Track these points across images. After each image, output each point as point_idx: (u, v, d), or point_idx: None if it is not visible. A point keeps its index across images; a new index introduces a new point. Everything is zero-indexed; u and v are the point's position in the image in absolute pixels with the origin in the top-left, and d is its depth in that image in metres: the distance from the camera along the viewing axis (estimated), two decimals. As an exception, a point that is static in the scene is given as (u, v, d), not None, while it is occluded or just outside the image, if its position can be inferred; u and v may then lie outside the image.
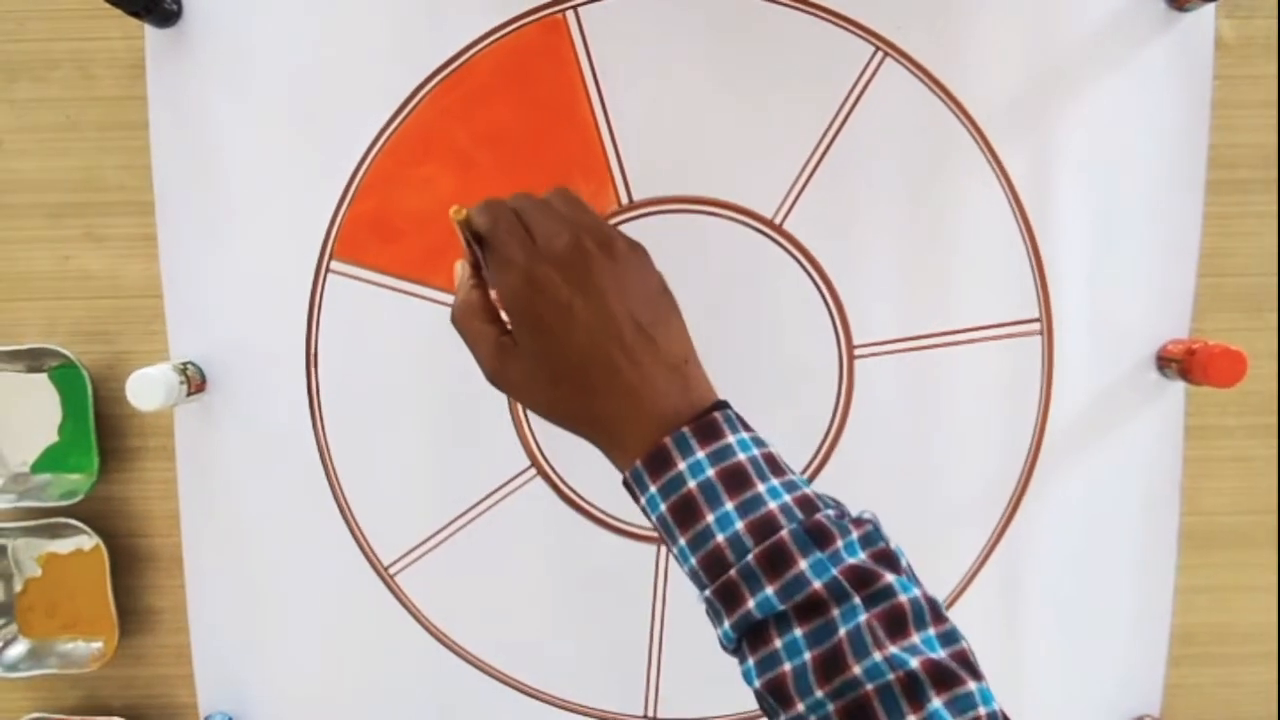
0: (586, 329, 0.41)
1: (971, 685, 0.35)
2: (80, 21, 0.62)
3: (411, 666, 0.66)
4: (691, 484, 0.39)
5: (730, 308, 0.62)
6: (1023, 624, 0.65)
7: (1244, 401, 0.65)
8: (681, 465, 0.39)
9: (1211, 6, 0.61)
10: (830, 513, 0.38)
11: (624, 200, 0.62)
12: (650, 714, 0.66)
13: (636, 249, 0.45)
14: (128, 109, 0.62)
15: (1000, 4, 0.61)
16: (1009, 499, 0.65)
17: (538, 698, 0.66)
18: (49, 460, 0.66)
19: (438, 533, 0.65)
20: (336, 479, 0.65)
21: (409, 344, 0.64)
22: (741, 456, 0.39)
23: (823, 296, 0.63)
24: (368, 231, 0.63)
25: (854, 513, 0.40)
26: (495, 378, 0.44)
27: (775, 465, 0.40)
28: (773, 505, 0.38)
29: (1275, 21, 0.63)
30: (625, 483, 0.42)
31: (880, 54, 0.61)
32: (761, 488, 0.38)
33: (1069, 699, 0.66)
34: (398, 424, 0.65)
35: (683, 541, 0.39)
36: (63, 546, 0.66)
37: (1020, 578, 0.65)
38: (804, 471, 0.64)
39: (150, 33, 0.61)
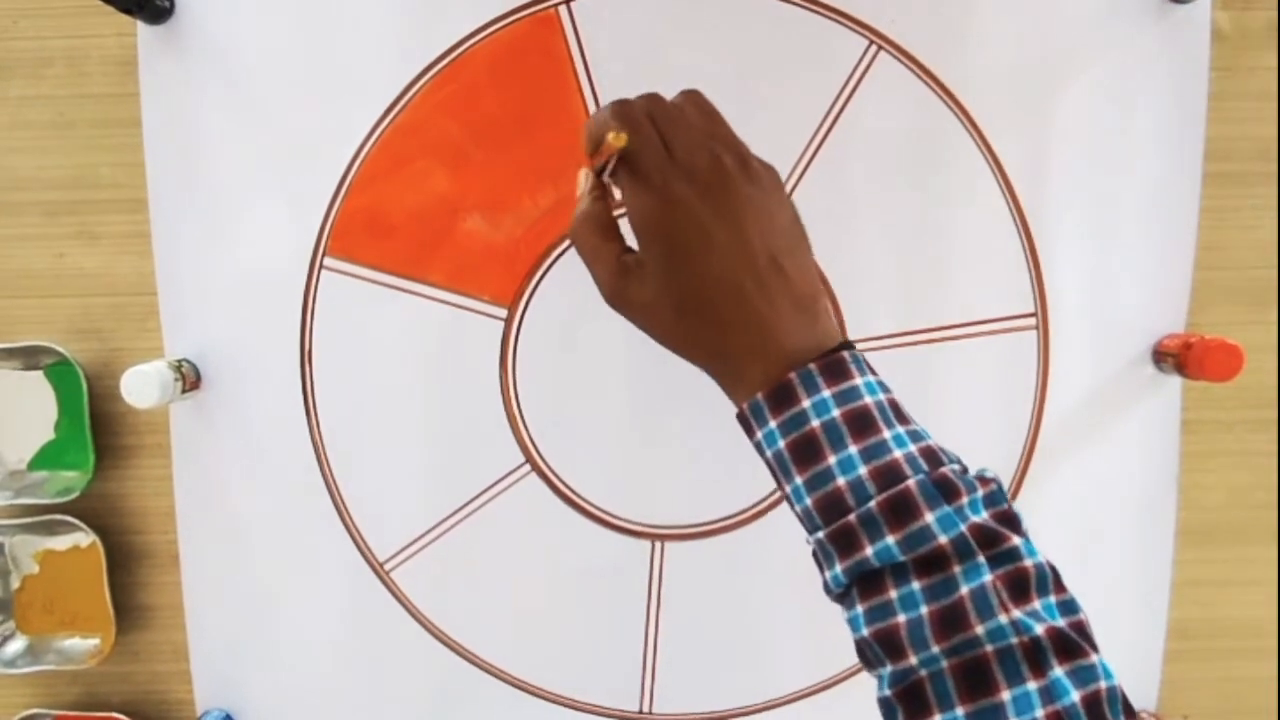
0: (721, 257, 0.39)
1: (1094, 658, 0.34)
2: (73, 19, 0.62)
3: (407, 662, 0.66)
4: (815, 423, 0.37)
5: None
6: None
7: (1241, 396, 0.65)
8: (805, 403, 0.37)
9: (1208, -2, 0.61)
10: (955, 467, 0.37)
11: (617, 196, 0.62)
12: (646, 709, 0.66)
13: (770, 170, 0.42)
14: (121, 106, 0.63)
15: (995, -3, 0.61)
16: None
17: (533, 693, 0.67)
18: (45, 457, 0.66)
19: (433, 529, 0.65)
20: (332, 475, 0.65)
21: (403, 340, 0.64)
22: (868, 400, 0.38)
23: (817, 291, 0.63)
24: (362, 228, 0.63)
25: (975, 470, 0.39)
26: (614, 299, 0.42)
27: (900, 413, 0.38)
28: (898, 453, 0.36)
29: (1273, 13, 0.62)
30: (740, 416, 0.40)
31: (874, 47, 0.61)
32: (887, 434, 0.37)
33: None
34: (393, 420, 0.65)
35: (799, 480, 0.38)
36: (60, 543, 0.66)
37: (1015, 573, 0.65)
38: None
39: (143, 30, 0.61)
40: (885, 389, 0.39)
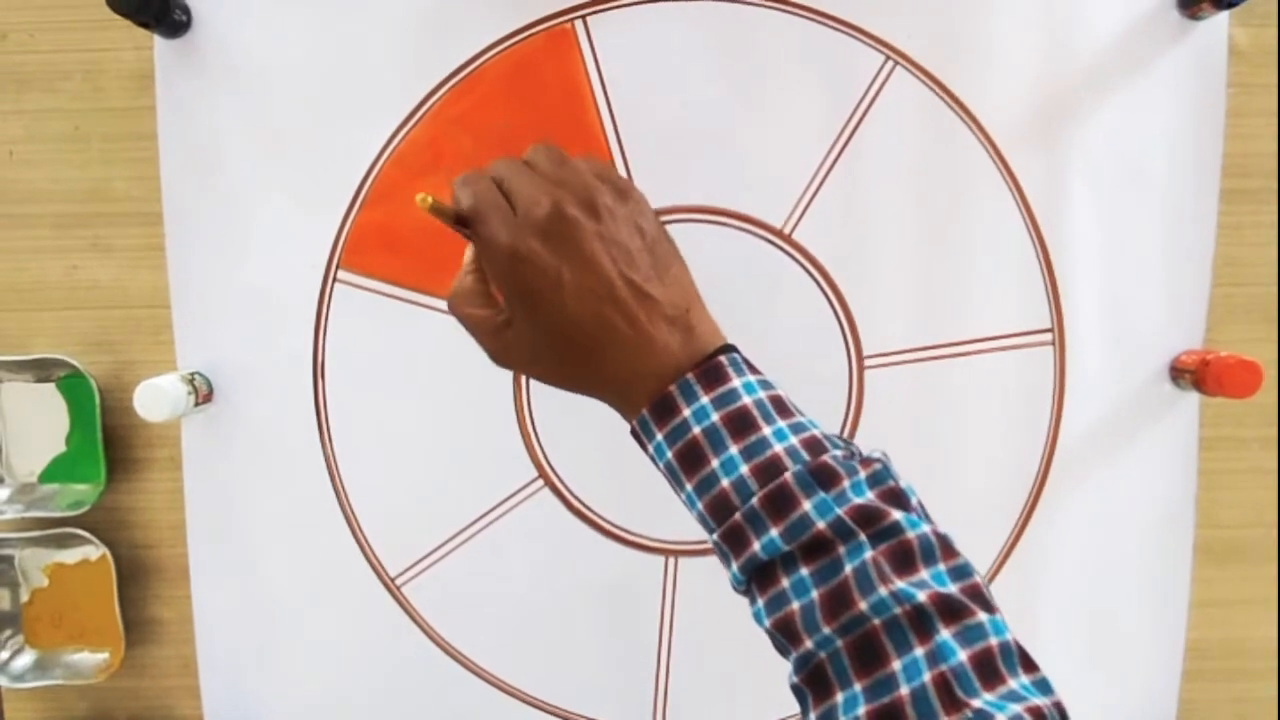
0: (577, 296, 0.41)
1: (982, 616, 0.34)
2: (90, 33, 0.62)
3: (419, 678, 0.66)
4: (696, 430, 0.39)
5: (739, 318, 0.60)
6: (1035, 638, 0.63)
7: (1259, 413, 0.64)
8: (686, 412, 0.39)
9: (1225, 15, 0.60)
10: (838, 454, 0.38)
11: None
12: (658, 727, 0.66)
13: (626, 200, 0.44)
14: (137, 119, 0.63)
15: (1012, 13, 0.61)
16: (1021, 512, 0.64)
17: (546, 710, 0.66)
18: (57, 470, 0.66)
19: (445, 544, 0.65)
20: (343, 489, 0.65)
21: (416, 354, 0.63)
22: (747, 400, 0.39)
23: (833, 307, 0.62)
24: (375, 241, 0.63)
25: (865, 452, 0.40)
26: (498, 359, 0.44)
27: (783, 407, 0.40)
28: (778, 448, 0.38)
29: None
30: (632, 433, 0.42)
31: (890, 63, 0.61)
32: (767, 430, 0.38)
33: (1083, 715, 0.65)
34: (405, 434, 0.64)
35: (689, 487, 0.39)
36: (69, 557, 0.66)
37: (1032, 592, 0.64)
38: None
39: (159, 43, 0.61)
40: (767, 386, 0.40)
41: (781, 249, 0.62)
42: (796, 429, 0.39)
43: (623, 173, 0.62)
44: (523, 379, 0.64)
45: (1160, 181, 0.62)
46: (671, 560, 0.65)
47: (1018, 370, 0.63)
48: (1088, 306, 0.63)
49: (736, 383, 0.39)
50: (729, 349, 0.41)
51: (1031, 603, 0.64)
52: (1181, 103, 0.62)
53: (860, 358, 0.63)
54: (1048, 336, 0.63)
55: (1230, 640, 0.66)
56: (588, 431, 0.64)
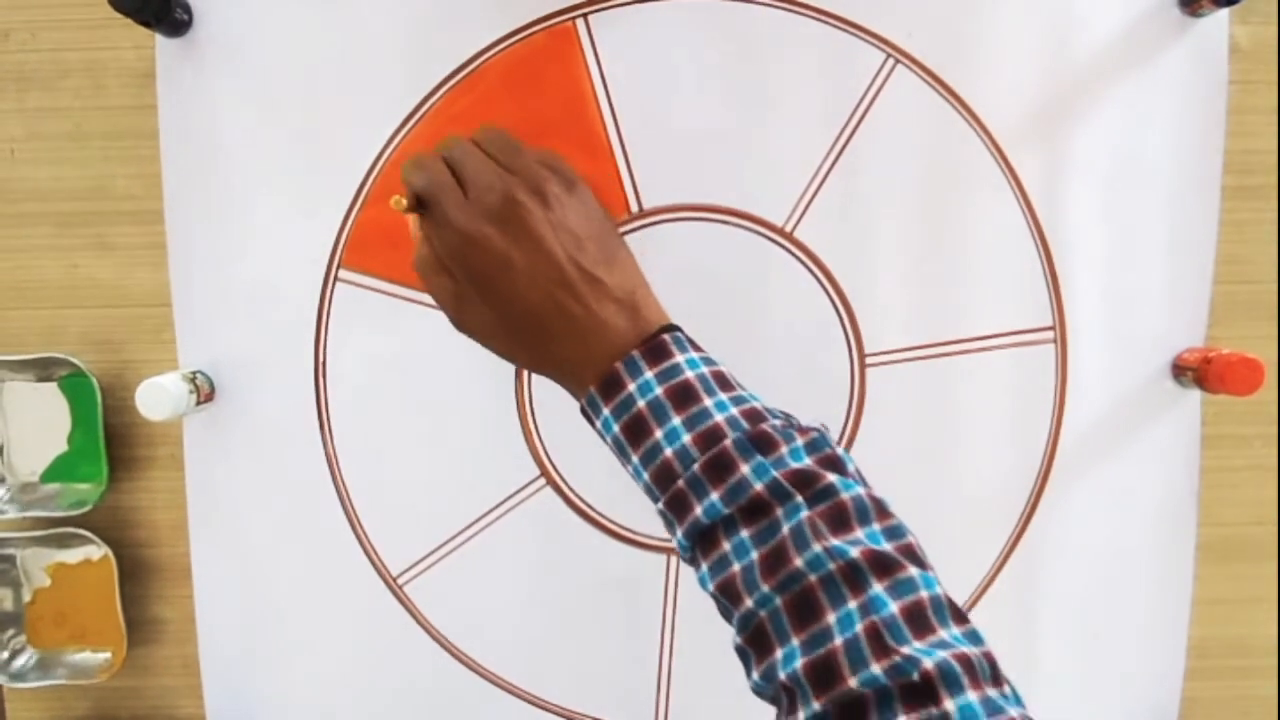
0: (528, 278, 0.42)
1: (913, 571, 0.36)
2: (91, 31, 0.62)
3: (420, 678, 0.66)
4: (641, 403, 0.40)
5: (740, 316, 0.62)
6: (1037, 636, 0.65)
7: (1260, 411, 0.64)
8: (631, 386, 0.41)
9: (1226, 13, 0.60)
10: (776, 423, 0.40)
11: (634, 208, 0.62)
12: (660, 726, 0.66)
13: (574, 189, 0.46)
14: (138, 118, 0.63)
15: (1012, 10, 0.61)
16: (1022, 510, 0.64)
17: (548, 709, 0.66)
18: (58, 470, 0.66)
19: (447, 543, 0.65)
20: (345, 488, 0.65)
21: (418, 353, 0.63)
22: (689, 374, 0.41)
23: (834, 305, 0.63)
24: (376, 240, 0.63)
25: (804, 423, 0.41)
26: (458, 326, 0.46)
27: (725, 381, 0.41)
28: (719, 418, 0.39)
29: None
30: (581, 411, 0.44)
31: (891, 61, 0.61)
32: (709, 402, 0.40)
33: (1085, 713, 0.65)
34: (406, 433, 0.64)
35: (635, 459, 0.41)
36: (71, 556, 0.66)
37: (1034, 590, 0.64)
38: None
39: (161, 42, 0.61)
40: (710, 363, 0.42)
41: (783, 247, 0.62)
42: (737, 401, 0.40)
43: (624, 171, 0.62)
44: (524, 378, 0.64)
45: (1161, 178, 0.62)
46: (674, 559, 0.65)
47: (1019, 368, 0.63)
48: (1089, 304, 0.63)
49: (680, 358, 0.41)
50: (673, 328, 0.43)
51: (1033, 600, 0.64)
52: (1182, 100, 0.62)
53: (861, 355, 0.63)
54: (1049, 334, 0.63)
55: (1232, 638, 0.66)
56: (590, 430, 0.64)
